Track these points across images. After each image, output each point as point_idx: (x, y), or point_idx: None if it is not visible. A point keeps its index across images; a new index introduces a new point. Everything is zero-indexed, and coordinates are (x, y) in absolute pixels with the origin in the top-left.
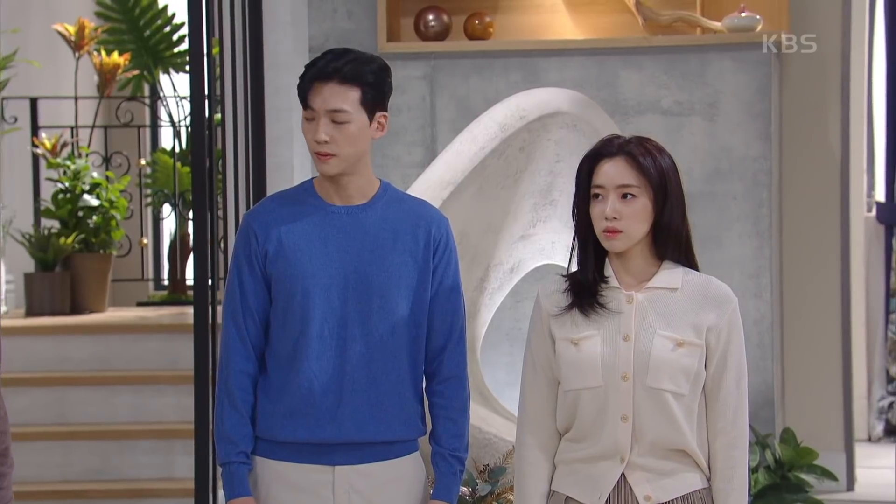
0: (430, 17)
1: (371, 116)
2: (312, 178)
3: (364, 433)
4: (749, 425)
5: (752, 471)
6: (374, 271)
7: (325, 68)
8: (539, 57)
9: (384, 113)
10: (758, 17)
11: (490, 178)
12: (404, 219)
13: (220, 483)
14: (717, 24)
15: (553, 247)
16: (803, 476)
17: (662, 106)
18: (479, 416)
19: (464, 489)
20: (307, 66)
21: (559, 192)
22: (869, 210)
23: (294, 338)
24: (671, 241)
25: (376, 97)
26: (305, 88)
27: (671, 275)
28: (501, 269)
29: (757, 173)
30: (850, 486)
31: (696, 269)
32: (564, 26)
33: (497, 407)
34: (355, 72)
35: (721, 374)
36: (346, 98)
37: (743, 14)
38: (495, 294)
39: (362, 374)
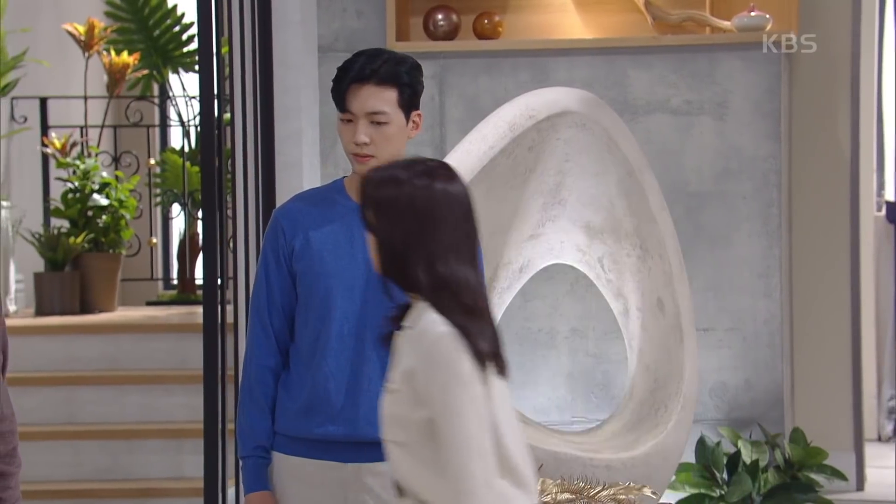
0: (440, 16)
1: (408, 116)
2: (343, 177)
3: (377, 432)
4: (758, 424)
5: (762, 470)
6: None
7: (362, 70)
8: (548, 56)
9: (419, 112)
10: (767, 16)
11: (499, 178)
12: None
13: (229, 483)
14: (726, 24)
15: (562, 246)
16: (813, 476)
17: (672, 105)
18: None
19: None
20: (341, 69)
21: (568, 191)
22: (879, 209)
23: (315, 335)
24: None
25: (412, 96)
26: (342, 91)
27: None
28: (510, 269)
29: (766, 173)
30: (860, 485)
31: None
32: (573, 26)
33: None
34: (391, 72)
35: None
36: (384, 99)
37: (752, 13)
38: (504, 294)
39: (378, 374)
